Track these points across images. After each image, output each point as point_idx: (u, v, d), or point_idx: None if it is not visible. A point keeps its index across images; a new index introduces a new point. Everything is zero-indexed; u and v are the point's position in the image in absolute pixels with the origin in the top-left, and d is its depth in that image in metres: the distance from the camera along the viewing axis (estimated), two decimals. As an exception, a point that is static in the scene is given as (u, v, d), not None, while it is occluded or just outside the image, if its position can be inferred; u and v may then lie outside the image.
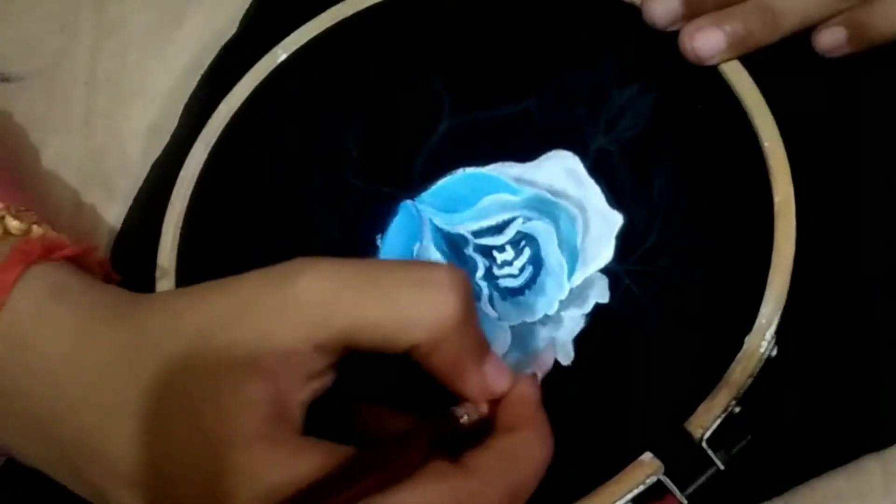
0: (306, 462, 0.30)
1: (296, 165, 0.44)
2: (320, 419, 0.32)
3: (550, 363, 0.38)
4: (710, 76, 0.41)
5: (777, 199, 0.38)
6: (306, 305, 0.31)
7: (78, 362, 0.33)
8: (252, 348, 0.31)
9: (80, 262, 0.38)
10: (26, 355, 0.34)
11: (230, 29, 0.49)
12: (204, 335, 0.32)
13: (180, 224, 0.44)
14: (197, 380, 0.31)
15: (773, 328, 0.36)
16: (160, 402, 0.32)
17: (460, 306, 0.32)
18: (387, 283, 0.32)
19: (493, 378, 0.34)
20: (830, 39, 0.40)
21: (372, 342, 0.32)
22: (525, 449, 0.33)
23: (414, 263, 0.33)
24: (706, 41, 0.40)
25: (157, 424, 0.31)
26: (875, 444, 0.37)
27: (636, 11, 0.42)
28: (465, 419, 0.33)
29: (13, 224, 0.38)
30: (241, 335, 0.31)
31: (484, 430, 0.34)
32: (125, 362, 0.33)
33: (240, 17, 0.50)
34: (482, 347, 0.34)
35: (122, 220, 0.48)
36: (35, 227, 0.38)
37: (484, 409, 0.34)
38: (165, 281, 0.43)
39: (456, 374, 0.33)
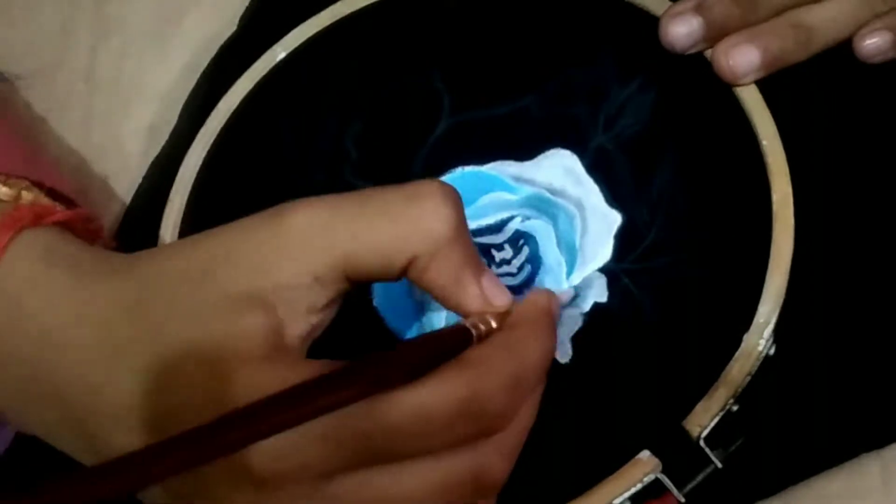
0: (310, 374, 0.29)
1: (295, 164, 0.44)
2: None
3: (566, 299, 0.39)
4: (710, 75, 0.41)
5: (775, 197, 0.38)
6: (303, 235, 0.32)
7: (75, 320, 0.33)
8: (249, 283, 0.31)
9: (72, 229, 0.38)
10: (21, 319, 0.34)
11: (229, 28, 0.49)
12: (200, 275, 0.32)
13: (179, 223, 0.44)
14: (196, 318, 0.31)
15: (771, 327, 0.36)
16: (163, 348, 0.32)
17: (454, 215, 0.32)
18: (379, 202, 0.32)
19: (491, 292, 0.34)
20: (876, 45, 0.40)
21: (371, 264, 0.32)
22: (524, 341, 0.33)
23: (403, 184, 0.33)
24: (742, 58, 0.39)
25: (162, 370, 0.31)
26: (874, 443, 0.37)
27: (636, 10, 0.42)
28: (475, 331, 0.32)
29: (1, 191, 0.38)
30: (236, 271, 0.32)
31: None
32: (124, 313, 0.33)
33: (239, 16, 0.50)
34: (478, 261, 0.34)
35: (121, 219, 0.48)
36: (25, 194, 0.38)
37: (492, 323, 0.33)
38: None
39: (455, 286, 0.33)
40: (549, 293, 0.36)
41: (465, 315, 0.34)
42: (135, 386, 0.32)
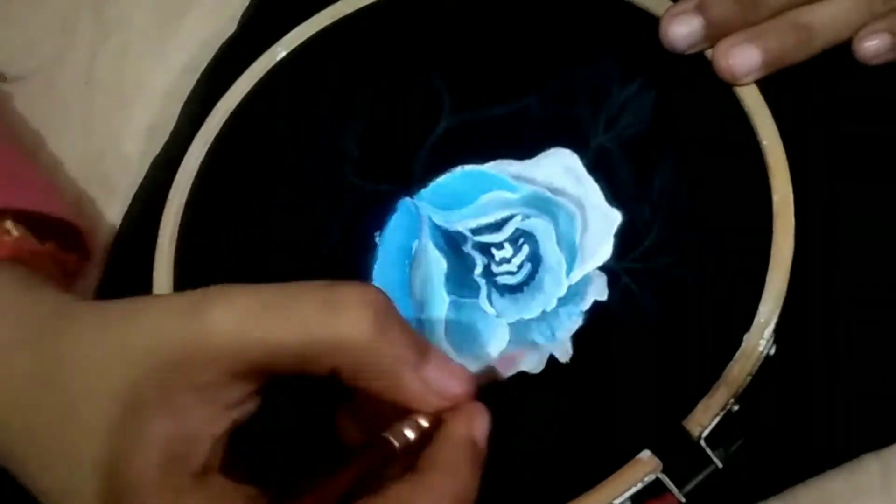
0: (203, 495, 0.29)
1: (294, 163, 0.44)
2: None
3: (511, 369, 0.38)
4: (710, 75, 0.41)
5: (776, 197, 0.38)
6: (218, 336, 0.30)
7: None
8: (163, 381, 0.30)
9: (24, 260, 0.37)
10: None
11: (229, 28, 0.49)
12: (115, 367, 0.31)
13: (178, 221, 0.44)
14: (104, 416, 0.30)
15: (771, 327, 0.36)
16: (67, 440, 0.31)
17: (372, 321, 0.30)
18: (296, 308, 0.31)
19: (438, 380, 0.32)
20: (875, 46, 0.39)
21: (290, 368, 0.31)
22: (426, 498, 0.30)
23: (323, 286, 0.31)
24: (742, 58, 0.39)
25: (65, 466, 0.31)
26: (874, 444, 0.37)
27: (636, 10, 0.42)
28: (398, 442, 0.31)
29: None
30: (151, 367, 0.30)
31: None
32: (38, 393, 0.32)
33: (239, 16, 0.50)
34: (417, 352, 0.31)
35: (121, 219, 0.48)
36: None
37: (424, 423, 0.32)
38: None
39: (391, 386, 0.31)
40: (478, 418, 0.32)
41: (418, 410, 0.32)
42: (41, 472, 0.31)
